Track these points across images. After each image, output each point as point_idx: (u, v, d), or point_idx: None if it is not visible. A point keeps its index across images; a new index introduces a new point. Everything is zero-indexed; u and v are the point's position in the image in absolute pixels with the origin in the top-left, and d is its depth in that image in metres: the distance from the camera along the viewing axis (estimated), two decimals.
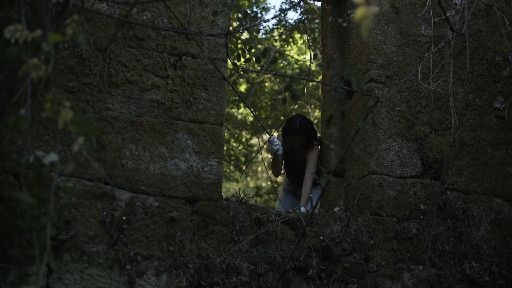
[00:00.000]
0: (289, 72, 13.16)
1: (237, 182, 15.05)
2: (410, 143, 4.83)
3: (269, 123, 13.36)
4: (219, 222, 4.29)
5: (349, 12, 5.11)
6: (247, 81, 13.36)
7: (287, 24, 12.58)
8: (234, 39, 10.62)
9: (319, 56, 5.60)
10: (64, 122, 1.94)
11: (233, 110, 14.00)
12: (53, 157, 1.97)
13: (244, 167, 13.22)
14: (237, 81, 13.05)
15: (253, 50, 4.32)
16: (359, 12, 1.80)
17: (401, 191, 4.71)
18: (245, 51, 4.21)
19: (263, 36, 13.11)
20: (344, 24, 5.03)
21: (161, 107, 4.36)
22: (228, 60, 4.62)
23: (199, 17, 4.52)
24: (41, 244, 3.85)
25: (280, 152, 5.50)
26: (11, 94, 3.05)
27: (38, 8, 2.93)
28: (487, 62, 5.17)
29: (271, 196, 13.58)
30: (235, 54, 4.21)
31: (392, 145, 4.78)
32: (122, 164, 4.20)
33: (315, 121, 13.10)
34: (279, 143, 5.47)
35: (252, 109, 5.30)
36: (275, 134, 5.70)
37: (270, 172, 5.87)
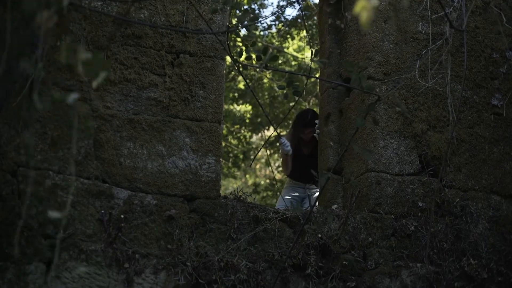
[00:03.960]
0: (287, 69, 13.16)
1: (235, 178, 15.07)
2: (408, 141, 4.83)
3: (269, 118, 13.37)
4: (217, 220, 4.29)
5: (346, 14, 5.10)
6: (246, 78, 13.35)
7: (285, 20, 12.58)
8: (232, 37, 10.62)
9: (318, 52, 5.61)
10: (81, 64, 1.95)
11: (232, 106, 13.99)
12: (74, 95, 1.96)
13: (250, 164, 13.26)
14: (236, 77, 13.05)
15: (253, 48, 4.31)
16: (359, 4, 1.84)
17: (399, 189, 4.71)
18: (247, 47, 4.20)
19: (262, 33, 13.11)
20: (342, 26, 5.03)
21: (159, 105, 4.35)
22: (227, 57, 4.62)
23: (196, 14, 4.52)
24: (38, 243, 3.86)
25: (290, 152, 5.79)
26: (8, 92, 3.05)
27: None
28: (485, 59, 5.17)
29: (268, 193, 13.61)
30: (234, 51, 4.20)
31: (390, 142, 4.78)
32: (120, 162, 4.20)
33: None
34: (289, 144, 5.79)
35: (259, 102, 5.36)
36: (283, 133, 6.05)
37: (269, 170, 6.15)
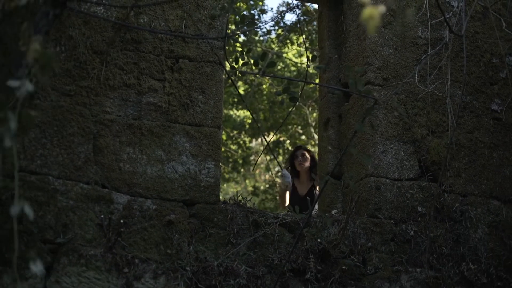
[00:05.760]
0: (287, 74, 13.17)
1: (237, 182, 15.08)
2: (408, 145, 4.83)
3: (268, 124, 13.39)
4: (216, 225, 4.28)
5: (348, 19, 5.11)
6: (245, 83, 13.36)
7: (285, 26, 12.60)
8: (231, 42, 10.63)
9: (317, 57, 5.62)
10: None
11: (231, 112, 14.00)
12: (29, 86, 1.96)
13: (252, 168, 13.27)
14: (235, 82, 13.06)
15: (250, 54, 4.32)
16: (367, 12, 1.83)
17: (399, 194, 4.71)
18: (243, 53, 4.20)
19: (261, 38, 13.13)
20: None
21: (158, 110, 4.36)
22: (226, 63, 4.62)
23: (195, 20, 4.52)
24: (38, 247, 3.85)
25: (290, 185, 5.90)
26: (6, 98, 3.04)
27: (35, 12, 2.93)
28: (484, 64, 5.17)
29: (267, 196, 13.62)
30: (233, 57, 4.21)
31: (390, 147, 4.78)
32: (119, 167, 4.20)
33: (313, 123, 13.12)
34: (290, 177, 5.90)
35: (251, 112, 5.31)
36: (282, 138, 6.25)
37: (269, 175, 6.27)
